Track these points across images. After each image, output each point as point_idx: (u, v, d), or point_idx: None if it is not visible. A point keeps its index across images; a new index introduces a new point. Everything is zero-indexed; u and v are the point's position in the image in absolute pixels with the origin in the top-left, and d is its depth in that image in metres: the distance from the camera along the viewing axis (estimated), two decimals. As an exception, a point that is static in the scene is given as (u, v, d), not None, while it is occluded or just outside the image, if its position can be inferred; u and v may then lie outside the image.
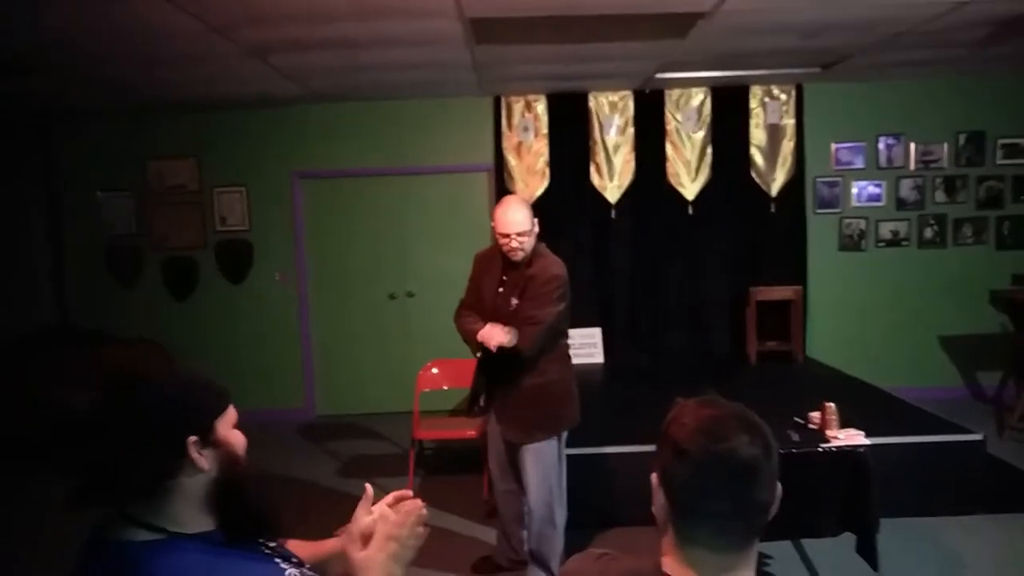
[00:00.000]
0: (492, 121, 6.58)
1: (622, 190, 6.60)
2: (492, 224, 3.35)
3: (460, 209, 6.73)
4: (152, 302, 6.71)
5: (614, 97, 6.54)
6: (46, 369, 5.60)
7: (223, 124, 6.57)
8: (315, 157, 6.62)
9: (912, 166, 6.61)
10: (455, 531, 4.22)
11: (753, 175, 6.58)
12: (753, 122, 6.55)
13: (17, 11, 3.56)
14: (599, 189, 6.60)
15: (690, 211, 6.59)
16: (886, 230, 6.65)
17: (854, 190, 6.63)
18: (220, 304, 6.74)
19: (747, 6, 3.98)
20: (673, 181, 6.59)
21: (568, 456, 3.54)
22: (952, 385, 6.67)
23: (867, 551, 3.11)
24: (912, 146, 6.59)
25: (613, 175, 6.59)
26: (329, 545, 1.50)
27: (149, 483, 1.19)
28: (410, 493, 1.46)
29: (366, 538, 1.39)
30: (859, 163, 6.62)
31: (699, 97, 6.53)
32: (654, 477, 1.19)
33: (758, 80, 6.29)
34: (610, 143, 6.57)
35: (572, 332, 3.71)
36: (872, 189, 6.63)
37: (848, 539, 3.21)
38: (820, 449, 3.34)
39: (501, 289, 3.38)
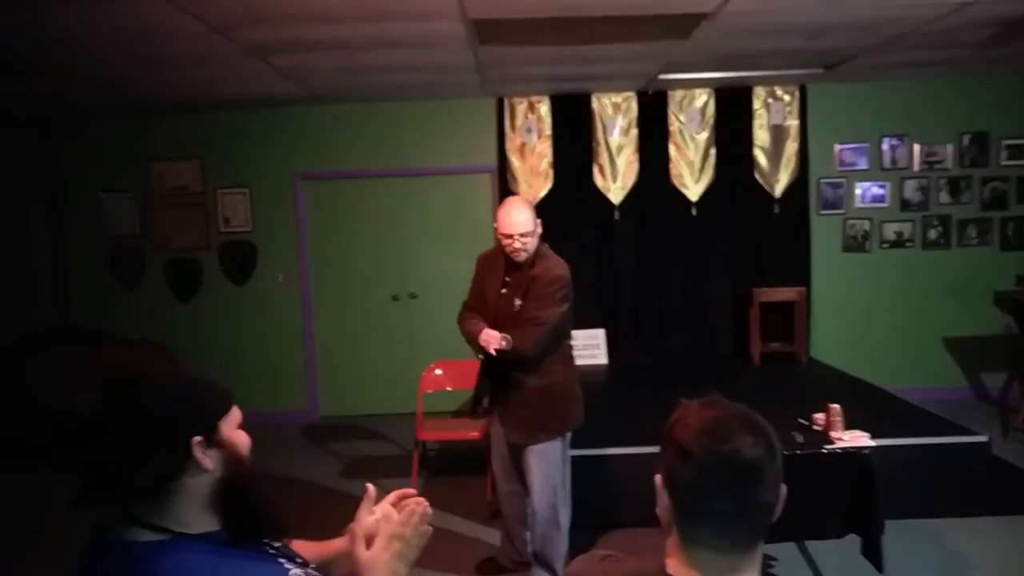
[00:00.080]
0: (495, 122, 6.58)
1: (625, 191, 6.60)
2: (495, 225, 3.35)
3: (463, 210, 6.73)
4: (155, 303, 6.72)
5: (617, 98, 6.53)
6: (48, 369, 5.60)
7: (226, 125, 6.58)
8: (318, 158, 6.63)
9: (916, 167, 6.60)
10: (459, 532, 4.22)
11: (757, 176, 6.58)
12: (756, 123, 6.55)
13: (18, 11, 3.57)
14: (602, 190, 6.60)
15: (693, 212, 6.59)
16: (890, 231, 6.64)
17: (858, 191, 6.62)
18: (223, 305, 6.75)
19: (750, 7, 3.98)
20: (676, 182, 6.59)
21: (572, 457, 3.54)
22: (956, 386, 6.65)
23: (872, 553, 3.10)
24: (916, 147, 6.58)
25: (616, 176, 6.59)
26: (334, 545, 1.50)
27: (153, 483, 1.19)
28: (413, 492, 1.46)
29: (370, 538, 1.39)
30: (863, 164, 6.61)
31: (702, 98, 6.52)
32: (658, 478, 1.19)
33: (761, 81, 6.29)
34: (613, 144, 6.57)
35: (575, 333, 3.71)
36: (876, 190, 6.62)
37: (853, 541, 3.20)
38: (824, 450, 3.34)
39: (504, 290, 3.38)
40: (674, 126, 6.56)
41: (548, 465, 3.38)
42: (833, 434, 3.49)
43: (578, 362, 3.60)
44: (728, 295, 6.69)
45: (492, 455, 3.67)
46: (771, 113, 6.53)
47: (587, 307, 6.04)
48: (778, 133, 6.54)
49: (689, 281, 6.68)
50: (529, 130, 6.56)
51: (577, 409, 3.48)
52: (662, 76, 5.86)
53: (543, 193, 6.53)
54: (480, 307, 3.44)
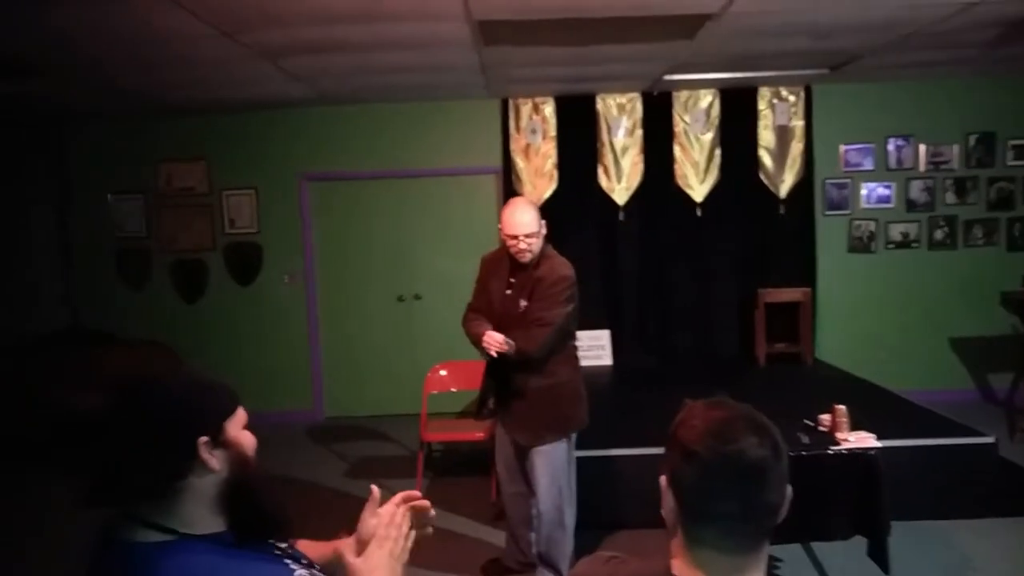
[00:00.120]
0: (500, 123, 6.58)
1: (630, 192, 6.60)
2: (500, 226, 3.35)
3: (468, 211, 6.73)
4: (161, 304, 6.74)
5: (622, 99, 6.53)
6: (54, 370, 5.63)
7: (232, 126, 6.60)
8: (324, 160, 6.64)
9: (922, 167, 6.58)
10: (463, 533, 4.22)
11: (762, 177, 6.57)
12: (762, 123, 6.54)
13: (22, 13, 3.58)
14: (607, 191, 6.60)
15: (698, 213, 6.58)
16: (896, 232, 6.62)
17: (863, 192, 6.61)
18: (229, 306, 6.77)
19: (755, 7, 3.97)
20: (681, 183, 6.58)
21: (577, 458, 3.54)
22: (963, 387, 6.63)
23: (878, 554, 3.10)
24: (922, 147, 6.55)
25: (621, 177, 6.59)
26: (335, 546, 1.50)
27: (159, 484, 1.20)
28: (418, 494, 1.46)
29: (367, 542, 1.39)
30: (868, 164, 6.59)
31: (707, 99, 6.51)
32: (663, 479, 1.19)
33: (766, 81, 6.28)
34: (618, 145, 6.56)
35: (580, 334, 3.70)
36: (882, 191, 6.60)
37: (859, 542, 3.20)
38: (830, 452, 3.33)
39: (509, 291, 3.38)
40: (679, 127, 6.55)
41: (553, 466, 3.38)
42: (839, 435, 3.47)
43: (583, 363, 3.60)
44: (733, 296, 6.68)
45: (497, 456, 3.67)
46: (776, 114, 6.52)
47: (592, 308, 6.02)
48: (783, 133, 6.53)
49: (694, 282, 6.67)
50: (534, 131, 6.56)
51: (582, 410, 3.48)
52: (667, 77, 5.85)
53: (548, 194, 6.53)
54: (485, 308, 3.44)
